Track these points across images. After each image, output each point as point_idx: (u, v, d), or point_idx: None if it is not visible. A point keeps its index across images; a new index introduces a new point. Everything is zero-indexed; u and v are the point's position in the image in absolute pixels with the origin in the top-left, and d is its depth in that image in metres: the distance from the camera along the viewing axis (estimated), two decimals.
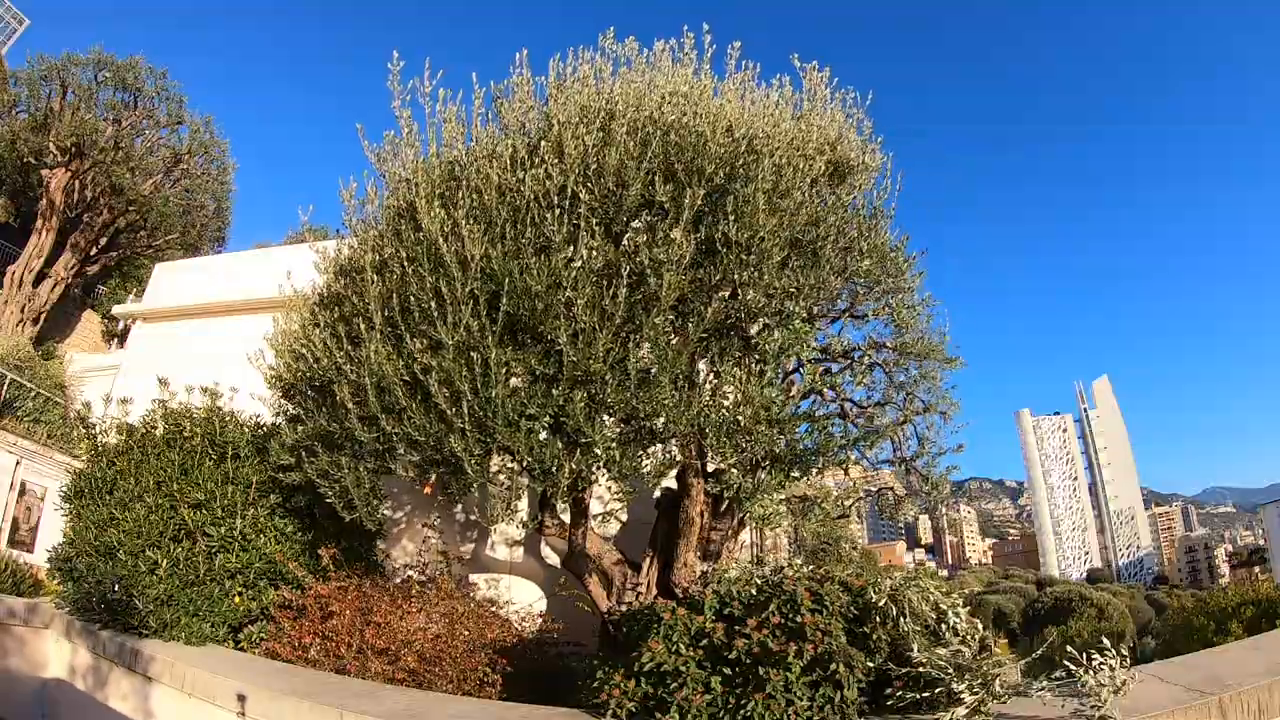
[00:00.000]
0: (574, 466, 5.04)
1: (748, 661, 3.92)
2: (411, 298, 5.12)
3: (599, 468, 5.28)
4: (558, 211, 5.07)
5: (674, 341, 5.18)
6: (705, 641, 4.11)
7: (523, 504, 5.87)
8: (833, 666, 3.80)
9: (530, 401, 5.00)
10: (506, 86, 6.11)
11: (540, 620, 7.20)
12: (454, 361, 4.94)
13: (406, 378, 5.08)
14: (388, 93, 5.73)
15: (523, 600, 7.83)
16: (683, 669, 4.01)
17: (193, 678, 5.59)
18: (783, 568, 4.68)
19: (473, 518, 8.87)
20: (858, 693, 3.82)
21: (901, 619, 4.03)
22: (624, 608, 5.86)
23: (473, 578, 7.93)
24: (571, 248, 5.04)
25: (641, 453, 5.30)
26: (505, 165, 5.35)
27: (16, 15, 32.73)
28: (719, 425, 5.15)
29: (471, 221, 5.04)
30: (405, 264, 5.27)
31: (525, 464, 5.18)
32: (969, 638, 3.99)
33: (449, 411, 4.94)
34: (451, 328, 4.94)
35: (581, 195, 5.05)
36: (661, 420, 5.18)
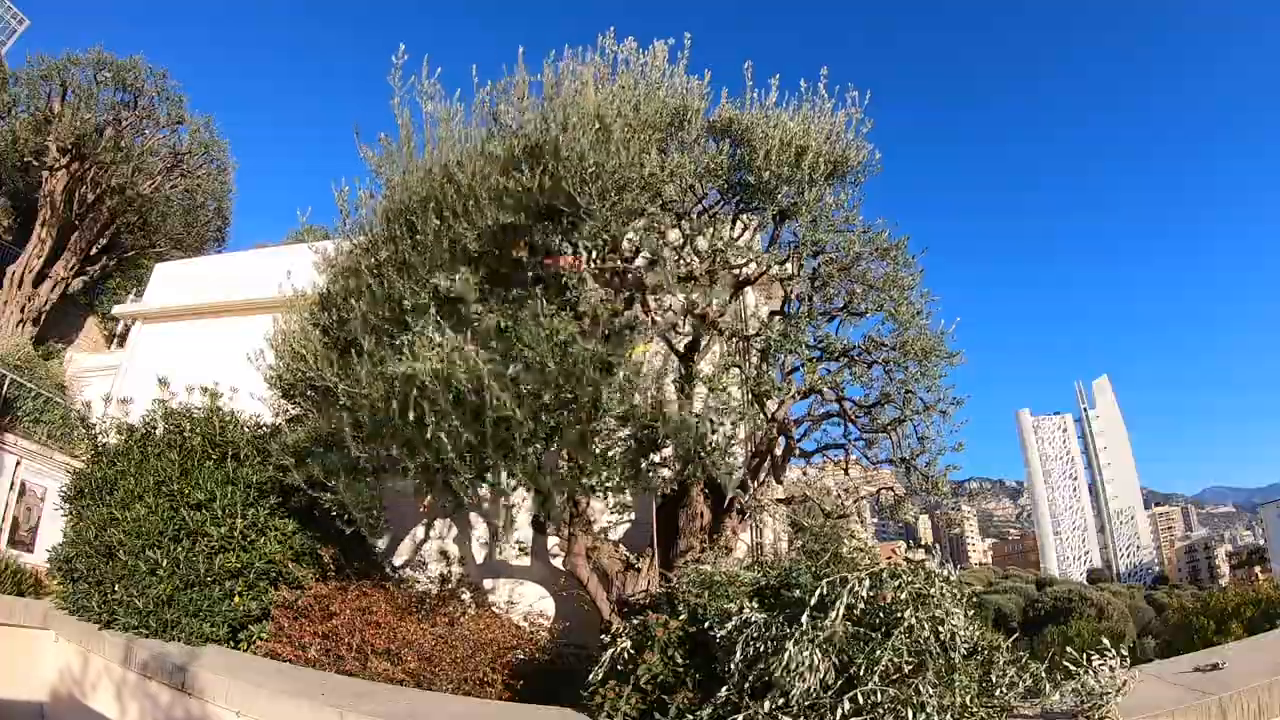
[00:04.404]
0: (566, 477, 5.02)
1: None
2: (404, 304, 5.08)
3: (592, 481, 5.25)
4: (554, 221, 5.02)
5: (669, 345, 5.16)
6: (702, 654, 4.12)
7: (524, 506, 5.85)
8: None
9: (523, 422, 4.93)
10: (502, 87, 6.05)
11: (543, 621, 7.20)
12: (445, 375, 4.87)
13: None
14: (387, 91, 5.70)
15: (526, 601, 7.84)
16: (681, 671, 4.02)
17: (193, 677, 5.59)
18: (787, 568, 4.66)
19: (477, 519, 8.85)
20: None
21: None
22: (624, 609, 5.86)
23: (476, 579, 7.92)
24: (563, 252, 4.99)
25: (633, 466, 5.25)
26: (501, 167, 5.31)
27: (16, 15, 32.62)
28: (714, 430, 5.13)
29: (466, 225, 5.00)
30: (397, 270, 5.23)
31: (518, 480, 5.15)
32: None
33: (440, 428, 4.87)
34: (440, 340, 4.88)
35: (579, 200, 5.01)
36: (662, 432, 5.14)
